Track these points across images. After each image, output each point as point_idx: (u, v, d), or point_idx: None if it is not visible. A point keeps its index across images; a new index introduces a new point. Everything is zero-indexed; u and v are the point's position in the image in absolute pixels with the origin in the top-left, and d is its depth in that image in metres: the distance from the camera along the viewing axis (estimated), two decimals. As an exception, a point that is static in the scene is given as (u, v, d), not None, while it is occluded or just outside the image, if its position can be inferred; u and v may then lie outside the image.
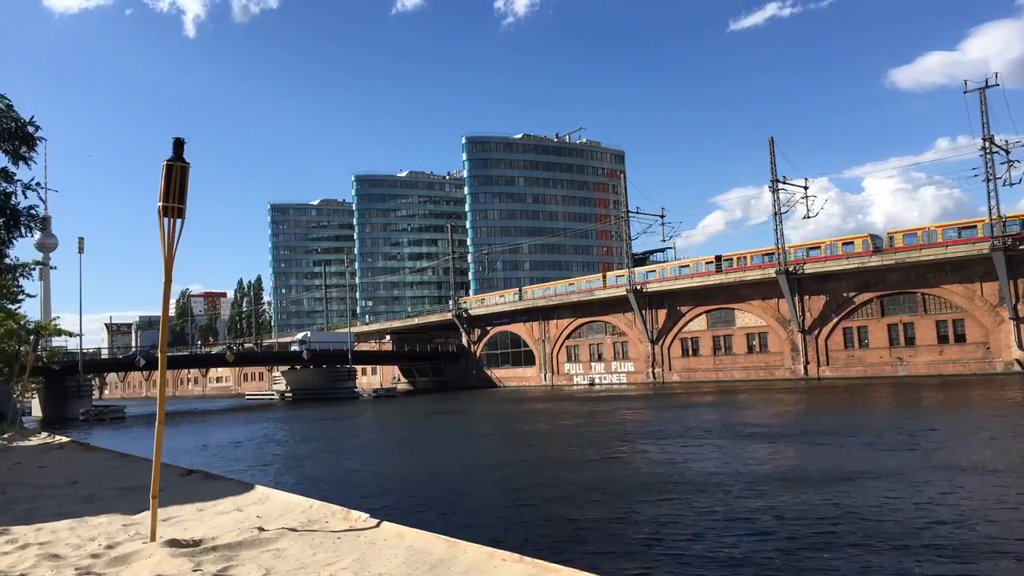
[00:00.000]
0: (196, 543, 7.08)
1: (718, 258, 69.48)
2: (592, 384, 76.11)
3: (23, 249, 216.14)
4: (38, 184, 17.62)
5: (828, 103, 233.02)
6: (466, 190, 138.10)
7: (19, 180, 17.28)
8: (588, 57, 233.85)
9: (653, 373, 71.72)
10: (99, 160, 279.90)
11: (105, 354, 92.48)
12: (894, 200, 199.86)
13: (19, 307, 34.22)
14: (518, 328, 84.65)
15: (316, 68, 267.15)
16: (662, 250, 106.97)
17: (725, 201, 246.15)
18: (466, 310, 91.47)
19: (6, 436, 25.82)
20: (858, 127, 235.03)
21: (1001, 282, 52.01)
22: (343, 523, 7.65)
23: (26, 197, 17.33)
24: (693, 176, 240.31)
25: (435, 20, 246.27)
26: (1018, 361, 51.68)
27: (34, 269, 28.99)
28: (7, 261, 23.32)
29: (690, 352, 70.06)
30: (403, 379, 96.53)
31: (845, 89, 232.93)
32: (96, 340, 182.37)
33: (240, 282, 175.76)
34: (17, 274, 27.58)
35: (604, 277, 79.88)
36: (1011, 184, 54.48)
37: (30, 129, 16.72)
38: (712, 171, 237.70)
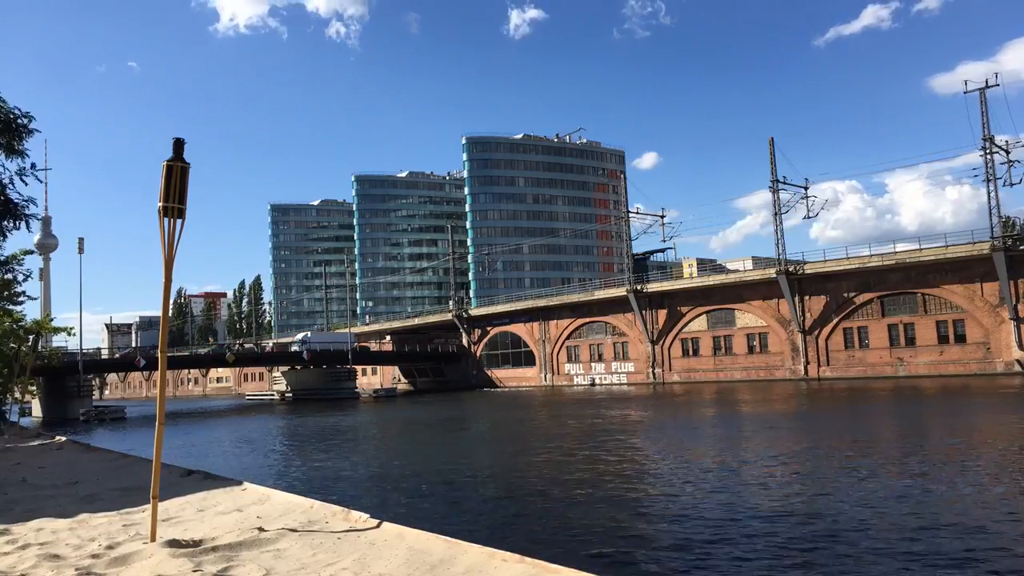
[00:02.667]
0: (196, 543, 7.07)
1: None
2: (592, 384, 76.00)
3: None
4: (33, 165, 17.32)
5: (864, 108, 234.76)
6: (466, 190, 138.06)
7: (9, 170, 17.15)
8: (590, 58, 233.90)
9: (653, 373, 71.66)
10: (99, 160, 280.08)
11: (105, 354, 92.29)
12: (925, 201, 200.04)
13: (21, 309, 34.26)
14: (518, 328, 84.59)
15: (315, 69, 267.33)
16: (662, 250, 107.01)
17: (748, 205, 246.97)
18: (466, 310, 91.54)
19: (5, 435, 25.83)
20: (894, 132, 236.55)
21: (1001, 282, 51.99)
22: (343, 523, 7.64)
23: (26, 184, 17.22)
24: (722, 179, 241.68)
25: (436, 21, 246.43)
26: (1018, 361, 51.66)
27: (23, 260, 28.93)
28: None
29: (690, 352, 70.01)
30: (403, 379, 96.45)
31: (883, 94, 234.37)
32: (96, 340, 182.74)
33: (242, 283, 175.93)
34: (12, 267, 27.50)
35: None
36: (1011, 184, 54.62)
37: (23, 121, 16.63)
38: (748, 173, 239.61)
